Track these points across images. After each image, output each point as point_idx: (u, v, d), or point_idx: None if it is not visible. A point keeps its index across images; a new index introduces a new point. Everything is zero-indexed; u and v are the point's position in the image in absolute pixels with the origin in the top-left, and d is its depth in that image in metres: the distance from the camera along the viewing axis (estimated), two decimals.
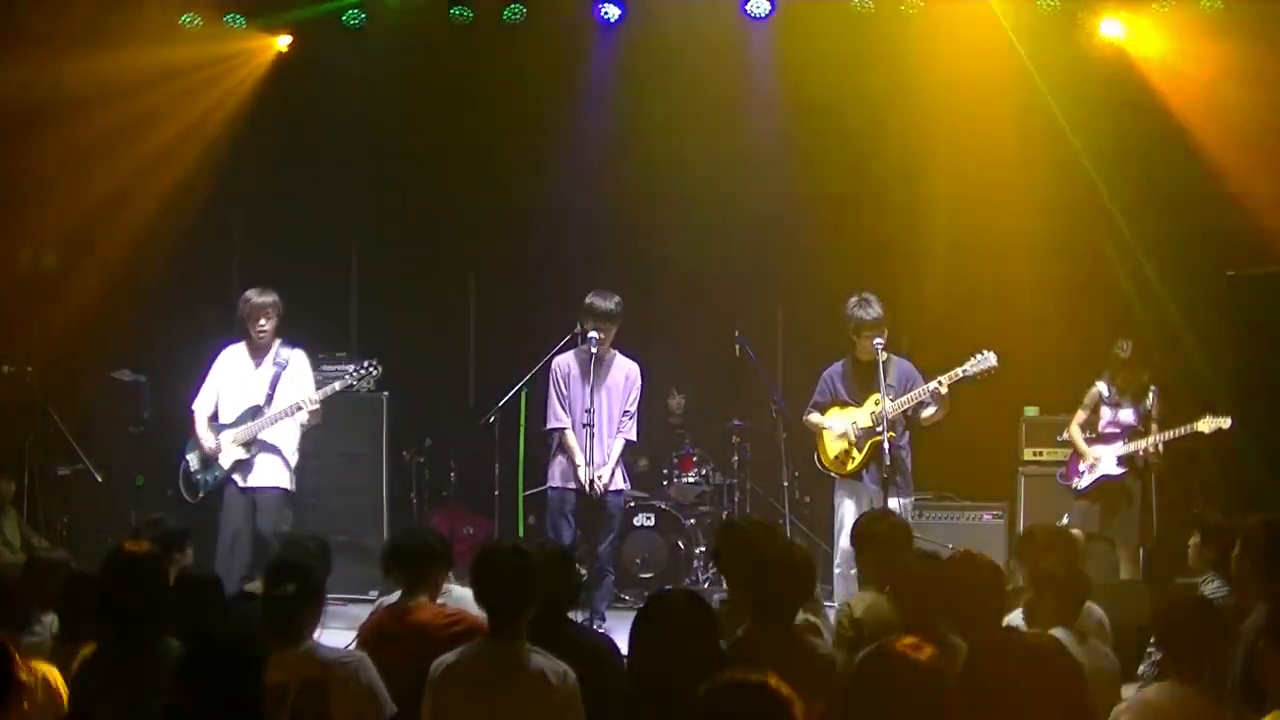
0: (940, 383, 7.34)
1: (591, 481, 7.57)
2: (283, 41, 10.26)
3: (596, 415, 7.60)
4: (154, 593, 4.35)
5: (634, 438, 7.96)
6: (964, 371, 7.34)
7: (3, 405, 9.31)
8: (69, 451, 9.43)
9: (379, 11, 9.81)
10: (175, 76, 9.72)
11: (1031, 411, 9.52)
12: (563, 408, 7.79)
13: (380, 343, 9.89)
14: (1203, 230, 9.14)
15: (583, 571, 7.66)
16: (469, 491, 10.22)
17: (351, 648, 4.71)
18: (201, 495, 7.77)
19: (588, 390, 7.67)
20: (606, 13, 9.92)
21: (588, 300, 7.73)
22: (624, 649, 6.62)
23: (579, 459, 7.65)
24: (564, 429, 7.76)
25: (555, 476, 7.81)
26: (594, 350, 7.66)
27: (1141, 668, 5.58)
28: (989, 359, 7.31)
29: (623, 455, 7.87)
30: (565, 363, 7.87)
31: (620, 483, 7.86)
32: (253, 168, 10.27)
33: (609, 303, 7.73)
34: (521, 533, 9.09)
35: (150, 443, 9.73)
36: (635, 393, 7.87)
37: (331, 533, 7.81)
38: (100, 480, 9.42)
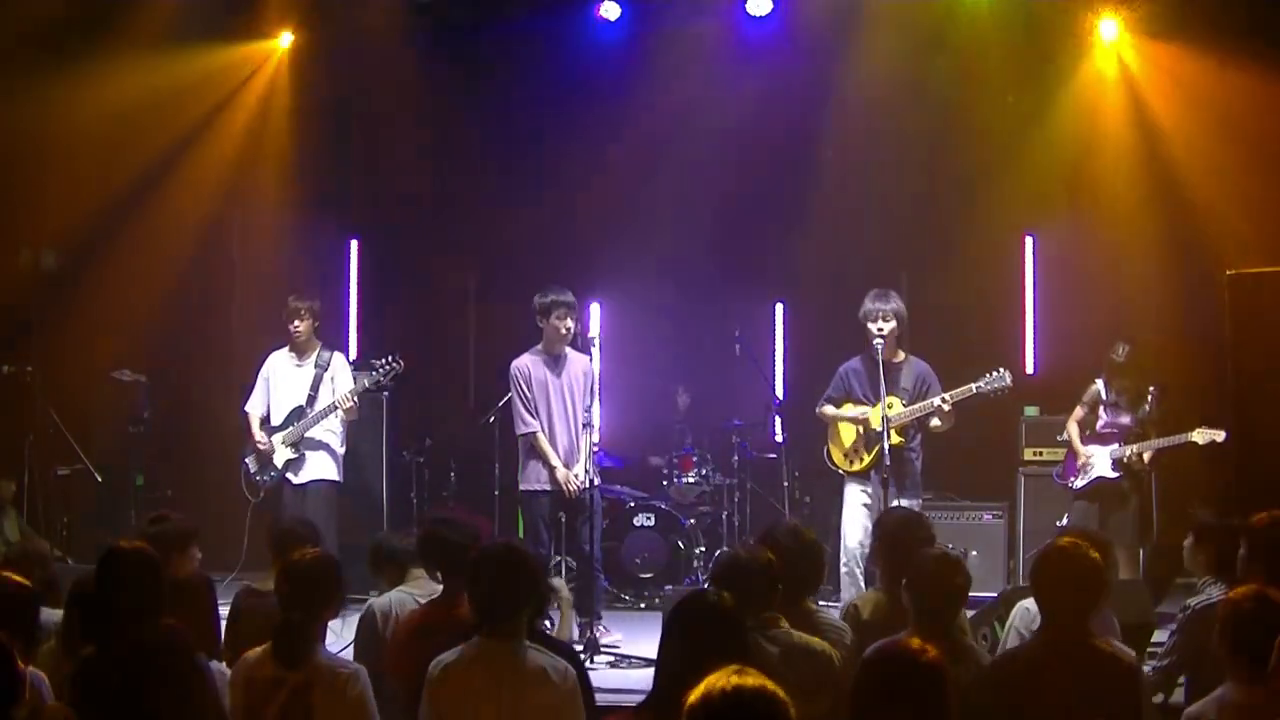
0: (944, 399, 7.28)
1: (592, 483, 7.54)
2: (284, 41, 10.28)
3: (565, 412, 7.59)
4: (150, 592, 4.29)
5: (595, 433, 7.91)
6: (977, 388, 7.26)
7: (3, 405, 9.32)
8: (69, 451, 9.44)
9: (380, 10, 9.82)
10: (176, 76, 9.73)
11: (1031, 411, 9.49)
12: (528, 411, 7.70)
13: (380, 343, 9.89)
14: (1203, 230, 9.12)
15: (572, 565, 7.70)
16: (469, 491, 10.20)
17: (352, 653, 4.61)
18: (263, 495, 8.21)
19: (560, 390, 7.64)
20: (606, 12, 9.94)
21: (552, 298, 7.62)
22: (628, 647, 6.74)
23: (554, 461, 7.59)
24: (533, 432, 7.68)
25: (529, 480, 7.72)
26: (595, 350, 7.64)
27: (1144, 668, 5.57)
28: (1004, 378, 7.22)
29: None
30: (525, 366, 7.74)
31: (595, 476, 7.77)
32: (253, 167, 10.28)
33: (569, 294, 7.68)
34: (521, 533, 9.07)
35: (150, 443, 9.73)
36: (594, 386, 7.77)
37: None
38: (100, 480, 9.43)
